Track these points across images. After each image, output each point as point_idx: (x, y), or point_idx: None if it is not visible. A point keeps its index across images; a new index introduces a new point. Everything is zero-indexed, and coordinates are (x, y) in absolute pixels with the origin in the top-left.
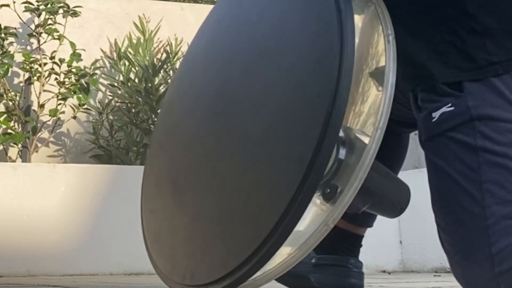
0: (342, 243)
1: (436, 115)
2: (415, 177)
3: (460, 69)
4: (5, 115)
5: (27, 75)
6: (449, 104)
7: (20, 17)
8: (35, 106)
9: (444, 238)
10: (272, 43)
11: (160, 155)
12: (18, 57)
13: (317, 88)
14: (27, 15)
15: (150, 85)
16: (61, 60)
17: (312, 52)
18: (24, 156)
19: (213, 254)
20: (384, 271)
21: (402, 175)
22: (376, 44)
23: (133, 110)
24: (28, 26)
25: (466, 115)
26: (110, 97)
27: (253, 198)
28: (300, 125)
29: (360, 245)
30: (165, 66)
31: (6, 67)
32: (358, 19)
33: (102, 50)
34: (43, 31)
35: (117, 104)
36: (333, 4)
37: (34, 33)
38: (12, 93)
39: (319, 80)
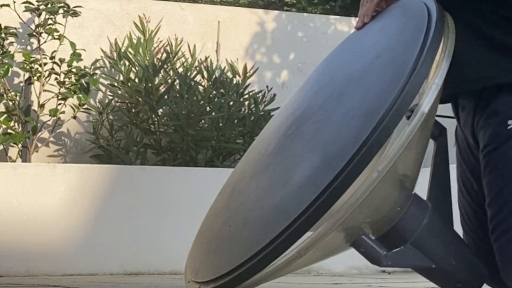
0: None
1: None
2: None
3: None
4: (5, 115)
5: (27, 75)
6: None
7: (20, 17)
8: (35, 106)
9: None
10: (352, 83)
11: (245, 159)
12: (18, 57)
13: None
14: (27, 15)
15: (150, 85)
16: (61, 60)
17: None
18: (24, 156)
19: (215, 259)
20: (384, 271)
21: None
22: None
23: (133, 110)
24: (28, 26)
25: None
26: (110, 97)
27: (266, 208)
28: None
29: None
30: (165, 66)
31: (6, 67)
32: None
33: (102, 50)
34: (43, 31)
35: (117, 104)
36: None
37: (34, 33)
38: (12, 93)
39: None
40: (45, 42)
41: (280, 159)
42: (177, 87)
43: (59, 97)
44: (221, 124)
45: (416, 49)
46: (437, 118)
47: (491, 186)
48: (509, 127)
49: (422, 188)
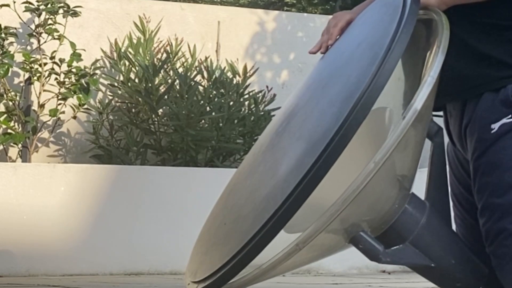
0: None
1: (495, 126)
2: (416, 177)
3: None
4: (5, 115)
5: (27, 75)
6: (509, 116)
7: (20, 17)
8: (35, 106)
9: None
10: (334, 76)
11: (243, 162)
12: (18, 57)
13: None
14: (27, 15)
15: (150, 85)
16: (61, 60)
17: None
18: (24, 156)
19: (211, 257)
20: (384, 271)
21: None
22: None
23: (133, 110)
24: (28, 26)
25: None
26: (110, 97)
27: (257, 201)
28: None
29: None
30: (165, 66)
31: (6, 67)
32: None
33: (102, 50)
34: (43, 31)
35: (117, 104)
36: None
37: (34, 33)
38: (12, 93)
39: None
40: (45, 42)
41: (270, 155)
42: (177, 87)
43: (59, 97)
44: (221, 124)
45: (391, 30)
46: (434, 118)
47: (481, 192)
48: (492, 131)
49: (420, 189)
